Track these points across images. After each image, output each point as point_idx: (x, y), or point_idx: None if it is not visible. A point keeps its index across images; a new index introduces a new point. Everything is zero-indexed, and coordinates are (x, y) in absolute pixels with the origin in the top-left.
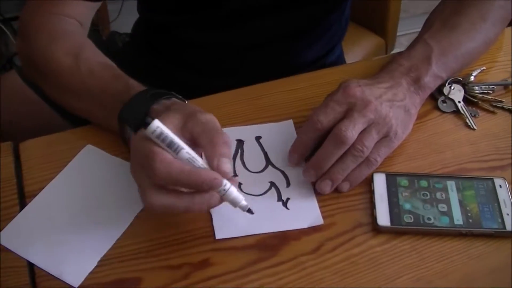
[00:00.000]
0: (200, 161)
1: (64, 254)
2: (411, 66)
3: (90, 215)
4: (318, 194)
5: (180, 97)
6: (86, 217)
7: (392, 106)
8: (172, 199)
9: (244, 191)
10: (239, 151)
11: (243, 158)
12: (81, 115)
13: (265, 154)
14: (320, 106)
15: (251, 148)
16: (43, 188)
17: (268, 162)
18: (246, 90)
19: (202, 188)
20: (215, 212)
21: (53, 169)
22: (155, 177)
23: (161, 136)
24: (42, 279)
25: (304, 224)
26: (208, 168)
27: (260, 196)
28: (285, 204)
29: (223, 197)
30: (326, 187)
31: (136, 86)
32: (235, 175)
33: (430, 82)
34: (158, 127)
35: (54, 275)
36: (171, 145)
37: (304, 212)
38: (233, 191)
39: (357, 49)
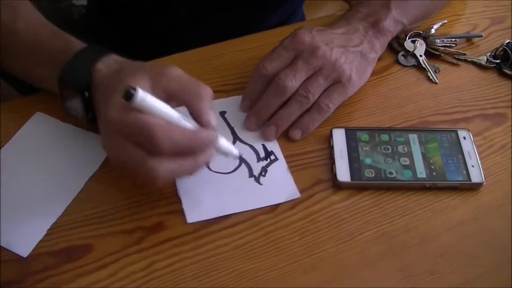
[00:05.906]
0: (187, 121)
1: (12, 224)
2: (370, 12)
3: (39, 183)
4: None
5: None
6: (35, 185)
7: (345, 51)
8: (178, 163)
9: (213, 169)
10: None
11: None
12: (23, 78)
13: (232, 129)
14: (268, 53)
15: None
16: None
17: (236, 137)
18: (202, 50)
19: (203, 148)
20: (184, 194)
21: (1, 138)
22: (158, 148)
23: (148, 104)
24: None
25: (280, 199)
26: (197, 126)
27: (230, 174)
28: (257, 179)
29: (216, 150)
30: (271, 132)
31: (76, 44)
32: None
33: (389, 25)
34: (144, 96)
35: (2, 246)
36: (158, 111)
37: (279, 187)
38: (224, 142)
39: (320, 14)
